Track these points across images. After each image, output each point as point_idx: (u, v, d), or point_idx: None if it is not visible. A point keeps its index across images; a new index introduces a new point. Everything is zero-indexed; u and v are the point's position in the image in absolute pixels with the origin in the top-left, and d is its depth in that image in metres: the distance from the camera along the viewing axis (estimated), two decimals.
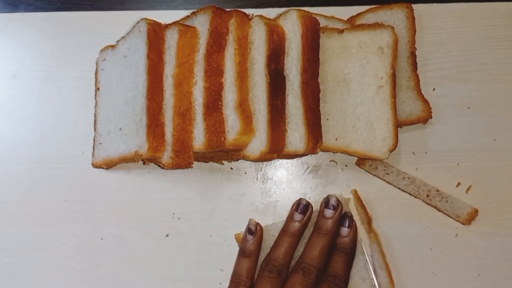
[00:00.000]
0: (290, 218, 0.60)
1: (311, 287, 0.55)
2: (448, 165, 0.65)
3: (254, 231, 0.59)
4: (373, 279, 0.59)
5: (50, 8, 0.70)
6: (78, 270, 0.64)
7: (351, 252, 0.58)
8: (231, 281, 0.58)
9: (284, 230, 0.59)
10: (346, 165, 0.65)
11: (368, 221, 0.62)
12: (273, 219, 0.64)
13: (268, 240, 0.61)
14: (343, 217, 0.59)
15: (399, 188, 0.64)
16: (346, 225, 0.59)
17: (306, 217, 0.59)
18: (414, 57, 0.65)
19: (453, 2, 0.69)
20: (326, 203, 0.59)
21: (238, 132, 0.58)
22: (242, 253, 0.59)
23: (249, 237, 0.59)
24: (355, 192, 0.63)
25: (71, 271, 0.63)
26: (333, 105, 0.63)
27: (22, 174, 0.66)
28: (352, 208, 0.63)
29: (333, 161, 0.66)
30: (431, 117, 0.64)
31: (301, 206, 0.59)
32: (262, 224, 0.61)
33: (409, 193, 0.64)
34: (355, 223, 0.59)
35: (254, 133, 0.59)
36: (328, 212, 0.59)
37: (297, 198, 0.61)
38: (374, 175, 0.64)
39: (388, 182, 0.64)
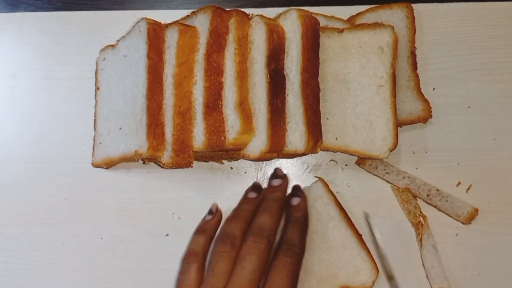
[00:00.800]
0: (244, 197, 0.61)
1: (265, 252, 0.53)
2: (448, 164, 0.65)
3: (214, 211, 0.59)
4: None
5: (50, 8, 0.70)
6: (78, 270, 0.63)
7: (304, 221, 0.58)
8: (184, 260, 0.56)
9: (236, 208, 0.59)
10: (346, 165, 0.65)
11: (336, 203, 0.62)
12: None
13: None
14: (293, 189, 0.61)
15: (399, 188, 0.64)
16: (297, 195, 0.59)
17: (260, 195, 0.60)
18: (414, 56, 0.65)
19: (453, 2, 0.69)
20: (272, 175, 0.61)
21: (238, 131, 0.58)
22: (197, 231, 0.58)
23: (208, 217, 0.59)
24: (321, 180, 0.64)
25: (71, 271, 0.63)
26: (333, 104, 0.63)
27: (22, 174, 0.66)
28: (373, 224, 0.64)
29: (333, 160, 0.66)
30: (431, 116, 0.64)
31: (256, 187, 0.61)
32: None
33: (407, 189, 0.64)
34: (305, 194, 0.60)
35: (254, 132, 0.59)
36: (275, 182, 0.60)
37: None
38: (374, 175, 0.64)
39: (388, 182, 0.64)
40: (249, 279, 0.51)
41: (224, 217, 0.63)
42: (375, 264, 0.60)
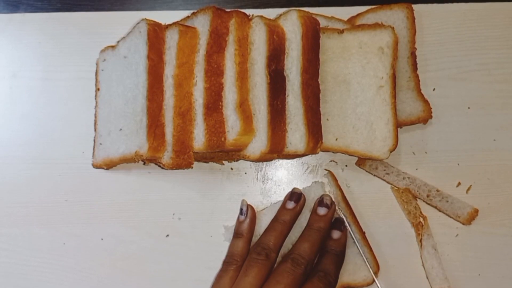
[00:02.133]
0: (282, 206, 0.61)
1: (299, 279, 0.55)
2: (448, 165, 0.65)
3: (245, 211, 0.61)
4: (366, 262, 0.60)
5: (50, 8, 0.70)
6: (78, 270, 0.64)
7: (341, 255, 0.59)
8: (224, 261, 0.59)
9: (276, 218, 0.61)
10: (346, 165, 0.65)
11: (343, 198, 0.63)
12: None
13: (261, 225, 0.62)
14: (336, 221, 0.61)
15: (399, 188, 0.64)
16: (339, 229, 0.60)
17: (298, 206, 0.61)
18: (414, 57, 0.65)
19: (453, 2, 0.69)
20: (320, 201, 0.61)
21: (238, 132, 0.58)
22: (235, 234, 0.61)
23: (241, 217, 0.61)
24: (330, 173, 0.64)
25: (71, 271, 0.64)
26: (333, 105, 0.63)
27: (22, 174, 0.66)
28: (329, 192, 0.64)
29: (333, 161, 0.66)
30: (431, 117, 0.64)
31: (295, 195, 0.61)
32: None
33: (407, 190, 0.64)
34: (347, 228, 0.61)
35: (254, 133, 0.59)
36: (321, 210, 0.60)
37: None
38: (374, 175, 0.64)
39: (388, 182, 0.64)
40: None
41: (224, 216, 0.64)
42: (376, 261, 0.61)
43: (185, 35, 0.60)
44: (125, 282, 0.63)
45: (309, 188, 0.63)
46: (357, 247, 0.61)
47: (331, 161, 0.66)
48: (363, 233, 0.62)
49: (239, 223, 0.61)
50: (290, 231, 0.60)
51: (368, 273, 0.60)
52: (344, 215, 0.62)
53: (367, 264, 0.60)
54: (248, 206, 0.62)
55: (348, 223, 0.61)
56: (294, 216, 0.60)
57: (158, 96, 0.61)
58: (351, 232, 0.61)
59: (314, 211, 0.61)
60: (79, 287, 0.63)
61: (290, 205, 0.60)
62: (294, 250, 0.57)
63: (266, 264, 0.56)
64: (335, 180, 0.64)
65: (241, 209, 0.62)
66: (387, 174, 0.64)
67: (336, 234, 0.60)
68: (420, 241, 0.62)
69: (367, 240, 0.61)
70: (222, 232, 0.64)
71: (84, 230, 0.64)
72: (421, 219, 0.62)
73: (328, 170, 0.64)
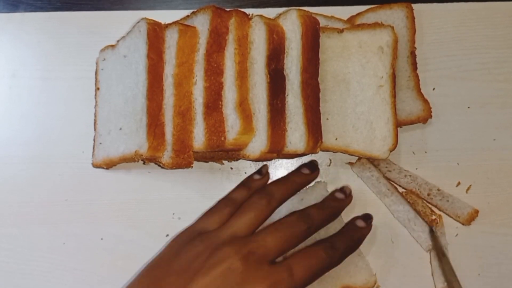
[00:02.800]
0: (297, 169, 0.60)
1: (299, 237, 0.53)
2: (448, 164, 0.65)
3: (264, 173, 0.60)
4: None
5: (50, 8, 0.70)
6: (78, 270, 0.63)
7: (356, 242, 0.56)
8: (219, 201, 0.56)
9: (287, 176, 0.59)
10: (346, 165, 0.65)
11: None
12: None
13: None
14: (366, 215, 0.59)
15: (400, 186, 0.64)
16: (365, 221, 0.58)
17: (312, 175, 0.59)
18: (414, 56, 0.65)
19: (453, 2, 0.69)
20: (339, 189, 0.60)
21: (238, 131, 0.58)
22: (242, 184, 0.59)
23: (256, 176, 0.60)
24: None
25: (71, 271, 0.63)
26: (333, 104, 0.63)
27: (22, 174, 0.66)
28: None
29: (333, 160, 0.66)
30: (431, 116, 0.64)
31: (311, 165, 0.60)
32: None
33: (411, 191, 0.64)
34: (372, 226, 0.58)
35: (254, 132, 0.59)
36: (339, 194, 0.59)
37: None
38: (360, 177, 0.65)
39: (389, 180, 0.64)
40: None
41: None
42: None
43: (185, 34, 0.60)
44: (125, 282, 0.63)
45: (312, 188, 0.63)
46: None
47: (330, 160, 0.65)
48: None
49: (252, 179, 0.59)
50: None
51: (368, 277, 0.60)
52: None
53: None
54: (267, 171, 0.60)
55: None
56: (305, 181, 0.59)
57: (158, 95, 0.61)
58: None
59: (331, 195, 0.60)
60: (79, 287, 0.63)
61: (305, 171, 0.59)
62: (306, 210, 0.55)
63: (265, 211, 0.54)
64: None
65: (260, 170, 0.60)
66: (389, 171, 0.64)
67: (360, 223, 0.57)
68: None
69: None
70: None
71: (84, 230, 0.64)
72: (433, 217, 0.62)
73: (351, 162, 0.64)
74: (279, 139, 0.59)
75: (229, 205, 0.56)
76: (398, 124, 0.63)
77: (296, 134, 0.60)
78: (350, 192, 0.60)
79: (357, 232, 0.57)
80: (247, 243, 0.52)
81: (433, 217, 0.63)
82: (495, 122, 0.66)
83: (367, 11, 0.66)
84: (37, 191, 0.65)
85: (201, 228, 0.56)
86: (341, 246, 0.54)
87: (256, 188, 0.58)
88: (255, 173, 0.61)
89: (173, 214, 0.65)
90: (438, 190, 0.63)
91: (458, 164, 0.65)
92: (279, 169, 0.66)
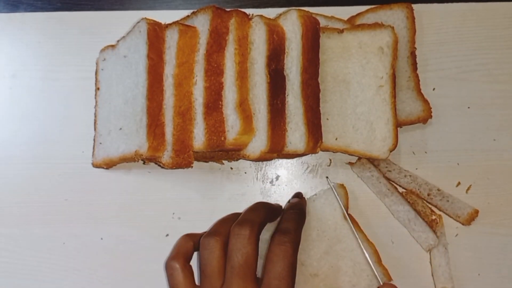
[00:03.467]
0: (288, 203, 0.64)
1: (294, 254, 0.53)
2: (448, 165, 0.65)
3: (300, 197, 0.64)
4: (376, 275, 0.60)
5: (50, 8, 0.70)
6: (78, 270, 0.64)
7: (299, 212, 0.59)
8: (235, 224, 0.54)
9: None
10: (346, 165, 0.65)
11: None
12: None
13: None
14: (297, 193, 0.64)
15: (400, 186, 0.64)
16: (296, 196, 0.63)
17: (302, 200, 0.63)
18: (414, 57, 0.65)
19: (453, 2, 0.69)
20: (294, 195, 0.64)
21: (238, 131, 0.58)
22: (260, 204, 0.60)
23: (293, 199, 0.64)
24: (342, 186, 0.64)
25: (71, 271, 0.64)
26: (333, 105, 0.63)
27: (22, 174, 0.66)
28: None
29: (333, 160, 0.66)
30: (431, 117, 0.64)
31: (297, 194, 0.64)
32: None
33: (411, 191, 0.64)
34: (304, 198, 0.63)
35: (254, 132, 0.59)
36: (294, 200, 0.63)
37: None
38: (361, 177, 0.65)
39: (389, 180, 0.64)
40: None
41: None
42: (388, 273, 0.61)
43: (185, 34, 0.60)
44: (125, 282, 0.63)
45: (316, 197, 0.63)
46: (364, 251, 0.60)
47: (330, 160, 0.65)
48: (373, 247, 0.61)
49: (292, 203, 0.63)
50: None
51: (369, 282, 0.60)
52: (352, 227, 0.61)
53: (373, 269, 0.60)
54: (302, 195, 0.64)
55: (356, 233, 0.61)
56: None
57: (158, 95, 0.61)
58: (356, 235, 0.61)
59: (288, 205, 0.63)
60: (79, 287, 0.63)
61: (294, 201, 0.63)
62: (278, 229, 0.56)
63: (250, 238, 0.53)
64: (346, 194, 0.63)
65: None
66: (389, 171, 0.64)
67: (294, 200, 0.63)
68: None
69: (375, 248, 0.61)
70: None
71: (84, 230, 0.64)
72: (433, 217, 0.62)
73: (341, 184, 0.64)
74: (279, 139, 0.59)
75: (249, 226, 0.55)
76: (398, 124, 0.63)
77: (296, 134, 0.60)
78: (302, 194, 0.63)
79: (295, 206, 0.61)
80: None
81: (433, 217, 0.63)
82: (495, 122, 0.66)
83: (367, 11, 0.66)
84: (37, 191, 0.65)
85: None
86: (289, 225, 0.56)
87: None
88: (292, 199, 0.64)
89: (173, 214, 0.65)
90: (438, 190, 0.63)
91: (458, 164, 0.65)
92: (279, 169, 0.66)
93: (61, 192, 0.65)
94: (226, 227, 0.55)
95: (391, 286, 0.56)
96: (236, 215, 0.58)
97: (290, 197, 0.65)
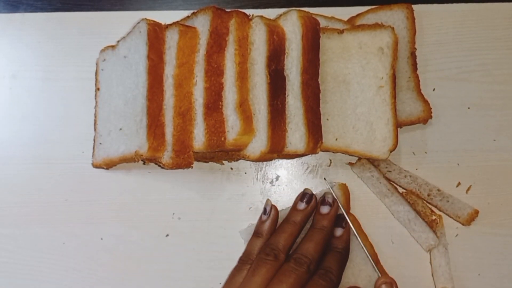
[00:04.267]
0: (294, 207, 0.61)
1: (302, 278, 0.55)
2: (448, 165, 0.65)
3: (269, 212, 0.61)
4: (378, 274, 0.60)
5: (50, 8, 0.70)
6: (78, 270, 0.64)
7: (344, 252, 0.59)
8: (240, 259, 0.59)
9: (286, 218, 0.60)
10: (346, 165, 0.65)
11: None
12: None
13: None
14: (338, 218, 0.60)
15: (400, 186, 0.64)
16: (340, 226, 0.60)
17: (309, 207, 0.60)
18: (414, 57, 0.65)
19: (453, 2, 0.69)
20: (322, 200, 0.61)
21: (238, 132, 0.58)
22: (255, 233, 0.60)
23: (264, 217, 0.61)
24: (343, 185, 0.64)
25: (71, 271, 0.64)
26: (333, 105, 0.63)
27: (22, 174, 0.66)
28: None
29: (333, 161, 0.66)
30: (431, 117, 0.64)
31: (306, 196, 0.61)
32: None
33: (411, 191, 0.64)
34: (349, 225, 0.60)
35: (254, 133, 0.59)
36: (324, 209, 0.60)
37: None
38: (361, 178, 0.65)
39: (389, 180, 0.64)
40: None
41: (224, 216, 0.64)
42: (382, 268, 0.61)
43: (185, 35, 0.60)
44: (125, 282, 0.63)
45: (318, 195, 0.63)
46: (364, 250, 0.60)
47: (330, 161, 0.66)
48: (370, 245, 0.62)
49: (260, 222, 0.61)
50: (301, 232, 0.60)
51: (369, 278, 0.60)
52: (352, 227, 0.61)
53: (374, 266, 0.60)
54: (272, 206, 0.61)
55: (355, 231, 0.61)
56: (305, 217, 0.60)
57: (158, 96, 0.61)
58: (356, 235, 0.61)
59: (317, 211, 0.61)
60: (79, 287, 0.63)
61: (301, 206, 0.60)
62: (298, 250, 0.57)
63: (274, 264, 0.56)
64: (348, 193, 0.63)
65: (265, 209, 0.61)
66: (389, 171, 0.64)
67: (338, 232, 0.60)
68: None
69: (373, 250, 0.61)
70: (239, 230, 0.63)
71: (84, 230, 0.64)
72: (433, 217, 0.62)
73: (343, 184, 0.64)
74: (279, 139, 0.59)
75: (248, 262, 0.58)
76: (398, 124, 0.63)
77: (296, 135, 0.60)
78: (334, 198, 0.61)
79: (341, 243, 0.59)
80: None
81: (433, 217, 0.63)
82: (495, 123, 0.66)
83: (367, 12, 0.67)
84: (37, 191, 0.65)
85: None
86: (333, 265, 0.57)
87: (268, 232, 0.60)
88: (262, 213, 0.62)
89: (173, 214, 0.65)
90: (438, 190, 0.63)
91: (458, 164, 0.65)
92: (279, 169, 0.66)
93: (61, 192, 0.65)
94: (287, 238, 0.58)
95: (389, 278, 0.58)
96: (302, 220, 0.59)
97: (290, 197, 0.65)
